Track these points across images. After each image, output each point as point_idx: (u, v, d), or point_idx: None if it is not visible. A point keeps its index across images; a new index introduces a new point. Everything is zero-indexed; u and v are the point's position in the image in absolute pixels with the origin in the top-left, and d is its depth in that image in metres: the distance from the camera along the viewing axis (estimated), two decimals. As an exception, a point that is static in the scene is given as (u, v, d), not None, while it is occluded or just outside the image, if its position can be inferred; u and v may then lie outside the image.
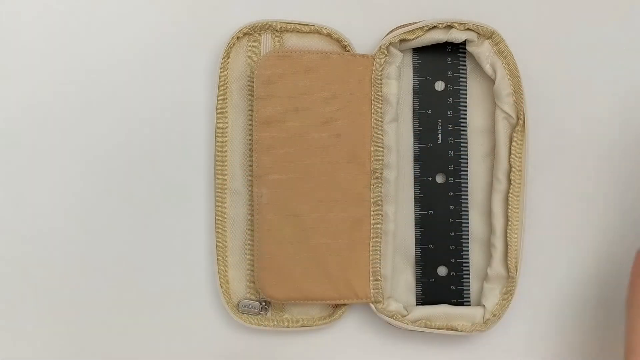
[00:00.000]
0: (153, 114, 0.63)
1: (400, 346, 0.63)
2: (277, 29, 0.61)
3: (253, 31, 0.61)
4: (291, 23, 0.61)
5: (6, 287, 0.62)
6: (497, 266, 0.61)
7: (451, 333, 0.60)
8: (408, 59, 0.63)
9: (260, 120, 0.60)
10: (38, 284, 0.62)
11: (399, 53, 0.61)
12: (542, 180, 0.62)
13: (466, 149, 0.62)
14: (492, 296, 0.61)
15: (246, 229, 0.62)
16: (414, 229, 0.63)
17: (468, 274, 0.62)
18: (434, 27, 0.60)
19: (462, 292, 0.62)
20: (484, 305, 0.61)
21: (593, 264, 0.62)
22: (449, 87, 0.63)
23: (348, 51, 0.61)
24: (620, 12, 0.63)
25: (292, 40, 0.61)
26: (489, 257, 0.62)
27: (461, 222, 0.62)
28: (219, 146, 0.61)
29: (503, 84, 0.60)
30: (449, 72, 0.63)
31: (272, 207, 0.60)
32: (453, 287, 0.62)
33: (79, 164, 0.63)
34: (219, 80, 0.61)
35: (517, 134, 0.60)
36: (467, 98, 0.63)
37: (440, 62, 0.63)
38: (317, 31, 0.61)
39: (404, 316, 0.60)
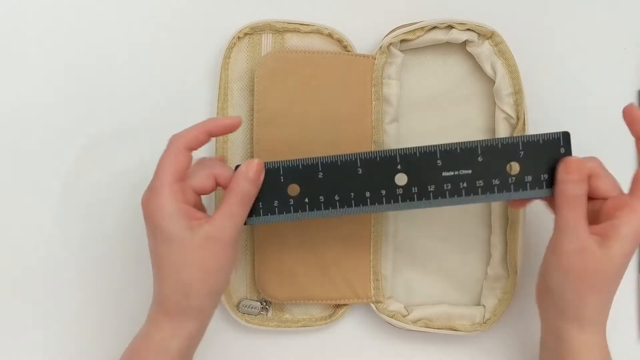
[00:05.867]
0: (154, 113, 0.63)
1: (401, 346, 0.63)
2: (278, 29, 0.61)
3: (254, 31, 0.61)
4: (292, 23, 0.61)
5: (6, 285, 0.62)
6: (497, 266, 0.61)
7: (451, 333, 0.60)
8: (408, 59, 0.62)
9: (261, 120, 0.60)
10: (38, 285, 0.62)
11: (399, 53, 0.61)
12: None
13: (467, 149, 0.62)
14: (492, 296, 0.61)
15: (247, 228, 0.62)
16: (414, 229, 0.63)
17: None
18: (434, 27, 0.60)
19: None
20: (484, 305, 0.61)
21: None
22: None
23: (349, 51, 0.61)
24: (620, 12, 0.63)
25: (293, 41, 0.61)
26: (488, 257, 0.62)
27: (461, 222, 0.62)
28: (220, 146, 0.61)
29: (503, 84, 0.60)
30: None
31: (272, 207, 0.60)
32: (453, 287, 0.63)
33: (81, 165, 0.63)
34: (220, 80, 0.61)
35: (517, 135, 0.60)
36: (467, 98, 0.63)
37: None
38: (317, 31, 0.61)
39: (404, 316, 0.61)
